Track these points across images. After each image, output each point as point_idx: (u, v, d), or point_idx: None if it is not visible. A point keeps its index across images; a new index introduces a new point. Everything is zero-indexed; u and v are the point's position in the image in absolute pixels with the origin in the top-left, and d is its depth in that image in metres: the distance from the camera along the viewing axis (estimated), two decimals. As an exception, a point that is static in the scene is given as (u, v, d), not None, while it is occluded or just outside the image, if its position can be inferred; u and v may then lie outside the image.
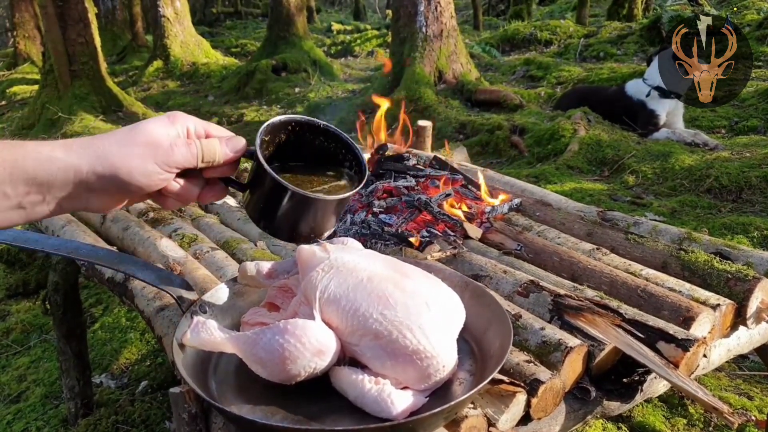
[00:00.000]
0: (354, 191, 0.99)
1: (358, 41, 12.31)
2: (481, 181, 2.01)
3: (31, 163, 0.78)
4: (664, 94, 4.63)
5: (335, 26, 15.16)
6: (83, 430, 2.11)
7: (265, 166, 0.90)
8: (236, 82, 8.92)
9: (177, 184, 0.90)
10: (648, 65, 4.87)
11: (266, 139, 0.96)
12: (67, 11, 7.14)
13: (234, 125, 7.12)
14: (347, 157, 1.04)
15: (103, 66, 7.70)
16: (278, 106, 7.83)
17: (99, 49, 7.52)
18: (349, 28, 14.94)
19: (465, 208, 1.81)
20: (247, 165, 1.01)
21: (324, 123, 1.01)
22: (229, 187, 0.98)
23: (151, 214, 1.93)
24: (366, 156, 2.06)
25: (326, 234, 1.04)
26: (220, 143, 0.91)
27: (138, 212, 1.98)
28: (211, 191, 0.96)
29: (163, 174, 0.86)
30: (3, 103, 9.83)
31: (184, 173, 0.91)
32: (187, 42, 10.55)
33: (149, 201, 2.08)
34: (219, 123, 6.88)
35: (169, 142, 0.86)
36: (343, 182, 1.03)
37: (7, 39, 16.85)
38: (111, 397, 2.32)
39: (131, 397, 2.30)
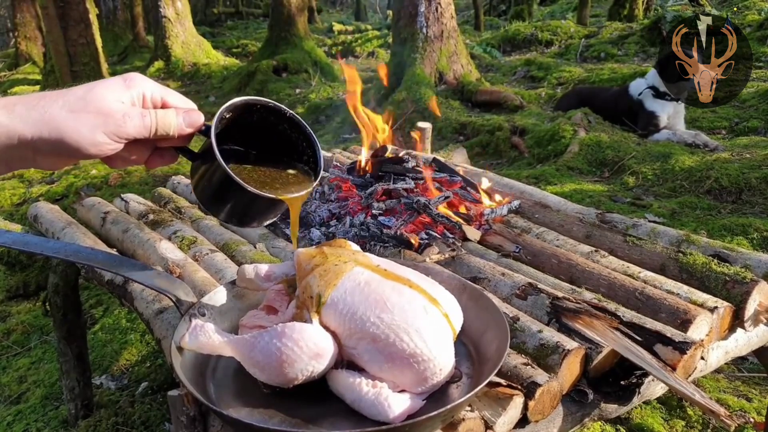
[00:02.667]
0: (299, 194, 0.97)
1: (359, 41, 12.31)
2: (485, 184, 2.02)
3: None
4: (658, 94, 4.64)
5: (336, 26, 15.17)
6: (83, 431, 2.12)
7: (216, 152, 0.87)
8: (237, 83, 8.92)
9: (125, 152, 0.87)
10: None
11: (227, 116, 0.93)
12: (68, 12, 7.15)
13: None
14: (306, 151, 1.02)
15: (105, 66, 7.71)
16: (279, 107, 7.81)
17: (100, 49, 7.53)
18: (350, 28, 14.94)
19: (464, 210, 1.81)
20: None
21: (290, 111, 0.99)
22: (179, 155, 0.96)
23: (151, 216, 1.93)
24: (364, 156, 2.06)
25: (256, 225, 1.02)
26: (176, 115, 0.87)
27: (138, 214, 1.98)
28: (160, 158, 0.93)
29: (112, 144, 0.82)
30: (4, 103, 9.82)
31: (135, 140, 0.87)
32: (188, 42, 10.55)
33: (148, 202, 2.09)
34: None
35: (122, 112, 0.81)
36: (298, 178, 1.01)
37: (9, 39, 16.86)
38: (111, 399, 2.33)
39: (131, 398, 2.30)
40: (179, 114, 0.88)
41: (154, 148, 0.91)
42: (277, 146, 1.02)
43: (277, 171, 1.02)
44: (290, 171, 1.03)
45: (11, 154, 0.78)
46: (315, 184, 1.01)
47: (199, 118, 0.90)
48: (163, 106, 0.88)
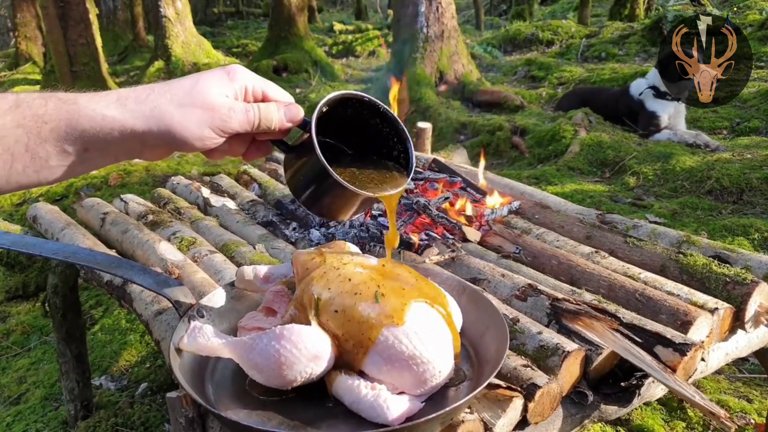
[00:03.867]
0: (395, 191, 0.97)
1: (360, 41, 12.31)
2: (481, 179, 2.01)
3: (85, 121, 0.76)
4: (659, 94, 4.63)
5: (337, 26, 15.16)
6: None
7: (317, 150, 0.87)
8: (237, 83, 8.90)
9: (226, 143, 0.88)
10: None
11: (324, 110, 0.93)
12: (68, 12, 7.15)
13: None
14: (397, 146, 1.02)
15: (105, 66, 7.71)
16: (279, 107, 7.81)
17: (100, 49, 7.53)
18: (350, 28, 14.93)
19: (463, 211, 1.81)
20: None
21: (384, 106, 0.99)
22: (275, 147, 0.96)
23: (151, 217, 1.93)
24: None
25: (347, 219, 1.03)
26: (278, 109, 0.88)
27: (137, 215, 1.98)
28: (257, 150, 0.94)
29: (217, 138, 0.84)
30: (5, 103, 9.82)
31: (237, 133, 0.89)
32: (188, 42, 10.54)
33: (148, 203, 2.09)
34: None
35: (228, 107, 0.83)
36: (392, 174, 1.01)
37: (9, 39, 16.87)
38: (110, 399, 2.32)
39: (131, 399, 2.30)
40: (280, 108, 0.89)
41: (252, 140, 0.93)
42: (369, 140, 1.03)
43: (371, 166, 1.02)
44: (384, 167, 1.03)
45: (121, 146, 0.80)
46: (408, 180, 1.00)
47: (299, 112, 0.91)
48: (264, 99, 0.89)
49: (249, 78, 0.87)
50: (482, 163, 2.16)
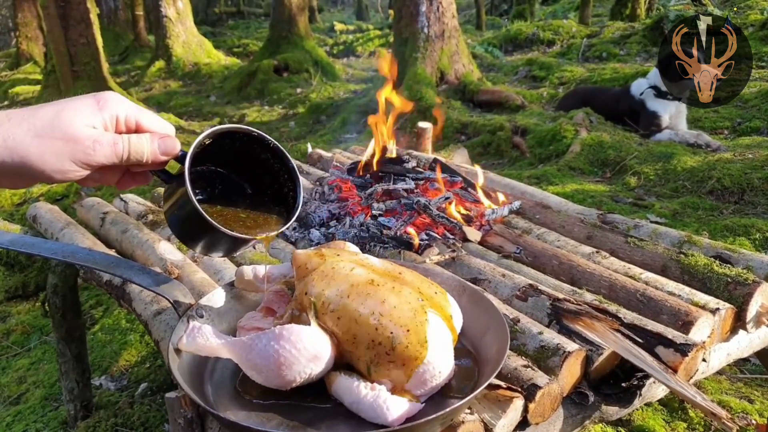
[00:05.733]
0: (263, 235, 0.94)
1: (361, 41, 12.30)
2: (480, 179, 2.00)
3: None
4: (660, 93, 4.62)
5: (338, 26, 15.16)
6: (82, 432, 2.11)
7: (189, 190, 0.84)
8: (238, 83, 8.92)
9: (96, 172, 0.83)
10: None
11: (206, 143, 0.90)
12: (69, 11, 7.15)
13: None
14: (287, 184, 0.99)
15: (105, 66, 7.71)
16: (280, 107, 7.82)
17: (101, 49, 7.53)
18: (351, 27, 14.94)
19: (464, 211, 1.80)
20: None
21: (275, 142, 0.96)
22: (154, 177, 0.92)
23: (150, 217, 1.92)
24: (364, 158, 2.05)
25: (222, 256, 1.00)
26: (151, 142, 0.83)
27: (137, 215, 1.97)
28: (132, 180, 0.90)
29: (80, 171, 0.79)
30: (5, 103, 9.84)
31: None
32: (189, 42, 10.55)
33: (148, 203, 2.08)
34: (220, 123, 6.87)
35: (92, 139, 0.77)
36: (270, 217, 0.99)
37: (10, 39, 16.89)
38: (110, 400, 2.32)
39: (131, 399, 2.30)
40: (154, 140, 0.84)
41: (127, 170, 0.88)
42: (258, 174, 1.00)
43: (252, 205, 1.00)
44: (265, 208, 1.00)
45: None
46: (288, 225, 0.97)
47: (175, 146, 0.86)
48: (137, 130, 0.84)
49: (121, 107, 0.81)
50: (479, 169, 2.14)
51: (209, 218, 0.85)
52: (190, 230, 0.92)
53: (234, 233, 0.89)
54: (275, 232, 0.96)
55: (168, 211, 0.93)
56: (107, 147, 0.79)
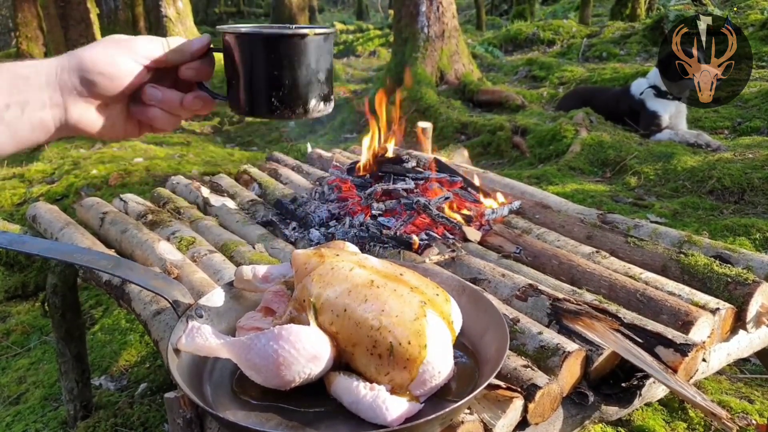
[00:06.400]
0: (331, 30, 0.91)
1: (361, 41, 12.30)
2: (476, 183, 2.00)
3: (5, 75, 0.79)
4: (660, 93, 4.62)
5: (338, 26, 15.16)
6: (82, 432, 2.11)
7: (237, 29, 0.85)
8: (238, 83, 8.90)
9: (155, 91, 0.88)
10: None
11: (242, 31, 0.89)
12: (69, 12, 7.16)
13: (236, 125, 7.11)
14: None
15: (105, 66, 7.69)
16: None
17: (101, 49, 7.52)
18: (351, 27, 14.93)
19: (464, 211, 1.80)
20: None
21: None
22: (216, 99, 0.93)
23: (150, 217, 1.92)
24: (363, 159, 2.05)
25: (324, 91, 0.92)
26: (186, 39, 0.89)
27: (137, 215, 1.97)
28: (196, 98, 0.91)
29: (128, 62, 0.84)
30: (5, 103, 9.84)
31: (159, 77, 0.88)
32: (189, 42, 10.55)
33: (147, 202, 2.08)
34: (220, 123, 6.92)
35: (133, 38, 0.86)
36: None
37: (10, 39, 16.87)
38: (110, 400, 2.32)
39: (130, 399, 2.30)
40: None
41: (185, 88, 0.90)
42: None
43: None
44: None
45: (41, 99, 0.81)
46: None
47: (206, 36, 0.90)
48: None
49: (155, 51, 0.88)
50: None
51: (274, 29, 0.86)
52: (273, 68, 0.87)
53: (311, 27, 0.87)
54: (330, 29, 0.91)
55: (244, 91, 0.90)
56: (145, 39, 0.86)
